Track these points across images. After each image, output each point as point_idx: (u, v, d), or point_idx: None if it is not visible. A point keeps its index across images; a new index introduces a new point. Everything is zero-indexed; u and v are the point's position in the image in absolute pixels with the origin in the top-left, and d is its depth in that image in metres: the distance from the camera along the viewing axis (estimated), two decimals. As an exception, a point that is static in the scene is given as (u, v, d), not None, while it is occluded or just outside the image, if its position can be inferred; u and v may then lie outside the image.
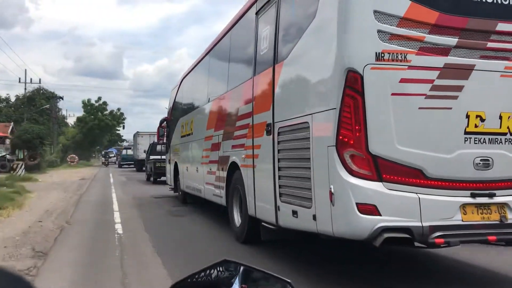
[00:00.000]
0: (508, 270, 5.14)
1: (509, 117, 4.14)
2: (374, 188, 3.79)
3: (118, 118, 55.96)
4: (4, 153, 31.14)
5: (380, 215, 3.73)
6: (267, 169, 5.35)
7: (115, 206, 11.51)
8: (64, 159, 44.76)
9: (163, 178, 19.12)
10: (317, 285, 4.42)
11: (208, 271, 1.24)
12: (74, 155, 45.23)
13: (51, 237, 7.17)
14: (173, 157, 13.26)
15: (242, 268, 1.23)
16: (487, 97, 4.11)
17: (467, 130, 4.02)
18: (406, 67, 3.89)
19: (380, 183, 3.81)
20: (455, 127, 4.02)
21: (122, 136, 74.32)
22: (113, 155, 54.01)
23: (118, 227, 8.20)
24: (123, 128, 58.72)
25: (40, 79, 48.96)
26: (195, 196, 10.40)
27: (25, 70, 48.43)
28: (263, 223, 5.63)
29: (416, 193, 3.86)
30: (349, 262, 5.53)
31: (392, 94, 3.88)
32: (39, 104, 45.23)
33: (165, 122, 14.69)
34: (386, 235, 3.71)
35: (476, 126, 4.04)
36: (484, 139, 4.07)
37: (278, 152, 5.09)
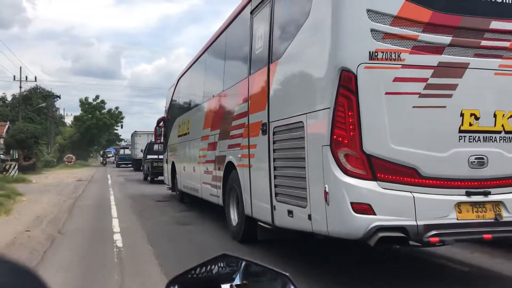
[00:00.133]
0: (505, 269, 5.14)
1: (503, 115, 4.14)
2: (368, 188, 3.79)
3: (116, 117, 55.04)
4: None
5: (375, 214, 3.73)
6: (263, 169, 5.35)
7: (114, 212, 10.37)
8: (61, 159, 43.70)
9: (160, 178, 19.10)
10: (314, 284, 4.42)
11: (208, 266, 1.23)
12: (71, 155, 44.40)
13: (38, 252, 6.10)
14: (170, 157, 13.25)
15: (243, 263, 1.22)
16: (481, 95, 4.11)
17: (462, 128, 4.02)
18: (400, 66, 3.89)
19: (375, 182, 3.81)
20: (449, 125, 4.01)
21: (121, 135, 73.51)
22: (111, 155, 53.85)
23: (117, 239, 7.07)
24: (121, 127, 58.09)
25: (35, 77, 48.15)
26: (192, 196, 10.39)
27: (20, 67, 46.35)
28: (259, 223, 5.63)
29: (411, 192, 3.86)
30: (346, 261, 5.54)
31: (386, 93, 3.88)
32: (35, 103, 44.20)
33: (162, 121, 14.67)
34: (381, 234, 3.71)
35: (470, 124, 4.04)
36: (479, 137, 4.07)
37: (274, 152, 5.08)
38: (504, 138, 4.16)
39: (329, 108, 3.89)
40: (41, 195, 13.94)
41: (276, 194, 5.01)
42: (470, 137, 4.04)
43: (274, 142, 5.08)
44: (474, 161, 4.03)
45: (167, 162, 13.93)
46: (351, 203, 3.74)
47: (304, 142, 4.34)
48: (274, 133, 5.08)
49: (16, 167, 23.98)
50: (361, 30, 3.86)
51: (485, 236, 3.98)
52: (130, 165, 36.84)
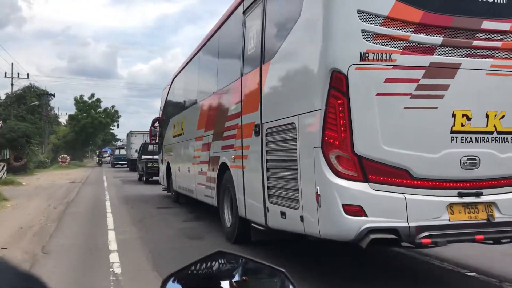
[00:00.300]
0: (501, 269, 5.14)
1: (495, 116, 4.12)
2: (360, 189, 3.77)
3: (112, 116, 53.32)
4: None
5: (367, 216, 3.72)
6: (256, 170, 5.32)
7: (110, 221, 8.90)
8: (55, 160, 42.07)
9: (155, 178, 19.01)
10: (308, 285, 4.40)
11: (204, 264, 1.21)
12: (66, 155, 42.63)
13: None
14: (165, 157, 13.21)
15: (242, 260, 1.21)
16: (473, 96, 4.09)
17: (454, 129, 4.00)
18: (391, 66, 3.86)
19: (366, 183, 3.79)
20: (441, 126, 4.00)
21: (117, 135, 72.48)
22: (107, 155, 53.39)
23: (114, 260, 5.62)
24: (117, 127, 56.49)
25: (28, 74, 44.26)
26: (188, 197, 10.36)
27: (12, 63, 42.61)
28: (253, 224, 5.61)
29: (403, 193, 3.84)
30: (339, 262, 5.52)
31: (377, 94, 3.85)
32: (30, 102, 42.50)
33: (157, 121, 14.64)
34: (373, 236, 3.69)
35: (462, 125, 4.02)
36: (471, 138, 4.05)
37: (267, 153, 5.06)
38: (496, 139, 4.14)
39: (320, 109, 3.87)
40: (29, 200, 12.76)
41: (269, 196, 4.99)
42: (462, 138, 4.03)
43: (266, 144, 5.06)
44: (466, 162, 4.02)
45: (162, 163, 13.89)
46: (343, 205, 3.72)
47: (296, 144, 4.32)
48: (266, 135, 5.05)
49: (5, 168, 22.09)
50: (352, 31, 3.83)
51: (477, 237, 3.97)
52: (126, 165, 36.66)
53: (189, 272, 1.19)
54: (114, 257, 5.83)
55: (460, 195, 3.98)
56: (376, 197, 3.78)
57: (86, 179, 23.97)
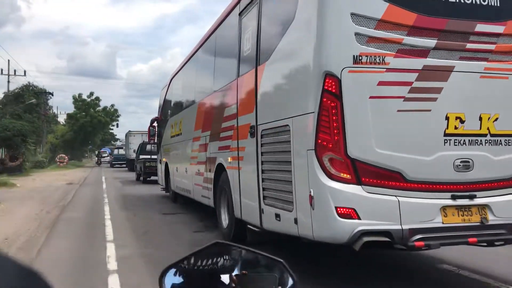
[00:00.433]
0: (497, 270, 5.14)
1: (489, 118, 4.13)
2: (353, 192, 3.78)
3: (112, 115, 51.99)
4: None
5: (360, 218, 3.72)
6: (252, 172, 5.33)
7: (109, 231, 7.76)
8: (53, 160, 40.77)
9: (153, 178, 18.95)
10: (307, 285, 4.39)
11: (203, 256, 1.22)
12: (64, 155, 41.39)
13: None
14: (163, 157, 13.23)
15: (242, 253, 1.22)
16: (467, 99, 4.10)
17: (447, 132, 4.01)
18: (384, 69, 3.87)
19: (359, 186, 3.80)
20: (434, 129, 4.00)
21: (116, 135, 71.94)
22: (106, 154, 53.13)
23: (114, 285, 4.68)
24: (117, 126, 55.77)
25: (25, 71, 43.87)
26: (185, 197, 10.38)
27: (8, 60, 40.86)
28: (248, 225, 5.62)
29: (396, 196, 3.85)
30: (336, 262, 5.53)
31: (371, 97, 3.86)
32: (28, 101, 41.17)
33: (155, 121, 14.66)
34: (366, 238, 3.70)
35: (456, 127, 4.03)
36: (464, 140, 4.06)
37: (262, 155, 5.07)
38: (490, 141, 4.15)
39: (313, 112, 3.88)
40: (21, 204, 11.59)
41: (264, 198, 5.00)
42: (456, 141, 4.03)
43: (262, 145, 5.07)
44: (460, 165, 4.02)
45: (160, 163, 13.91)
46: (336, 208, 3.73)
47: (290, 146, 4.33)
48: (262, 136, 5.06)
49: None
50: (345, 34, 3.84)
51: (470, 239, 3.97)
52: (125, 165, 36.57)
53: (188, 264, 1.20)
54: (113, 281, 4.81)
55: (453, 197, 3.99)
56: (369, 200, 3.79)
57: (84, 180, 22.84)
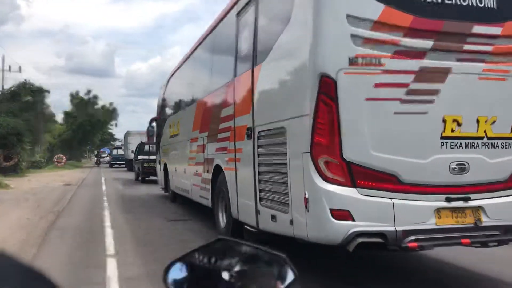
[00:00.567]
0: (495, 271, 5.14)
1: (486, 121, 4.11)
2: (348, 194, 3.77)
3: (111, 113, 49.99)
4: None
5: (354, 220, 3.72)
6: (248, 173, 5.33)
7: (109, 242, 6.71)
8: (51, 160, 39.26)
9: (151, 178, 18.85)
10: (304, 285, 4.38)
11: (206, 252, 1.22)
12: (62, 155, 39.74)
13: None
14: (162, 158, 13.23)
15: (242, 249, 1.23)
16: (464, 101, 4.08)
17: (444, 134, 3.99)
18: (380, 71, 3.85)
19: (354, 189, 3.79)
20: (431, 132, 3.98)
21: (115, 135, 70.83)
22: (105, 154, 52.90)
23: None
24: (116, 125, 54.51)
25: (20, 67, 41.10)
26: (184, 197, 10.38)
27: (3, 56, 39.32)
28: (245, 226, 5.62)
29: (390, 198, 3.84)
30: (333, 263, 5.52)
31: (367, 99, 3.84)
32: (24, 99, 39.44)
33: (154, 121, 14.65)
34: (360, 240, 3.70)
35: (452, 130, 4.01)
36: (461, 143, 4.04)
37: (258, 157, 5.06)
38: (487, 144, 4.13)
39: (308, 114, 3.86)
40: (12, 208, 10.49)
41: (260, 199, 4.99)
42: (452, 144, 4.02)
43: (258, 147, 5.06)
44: (455, 167, 4.01)
45: (159, 163, 13.90)
46: (331, 210, 3.72)
47: (286, 148, 4.32)
48: (258, 138, 5.05)
49: None
50: (341, 36, 3.82)
51: (463, 240, 3.97)
52: (124, 165, 36.49)
53: (191, 259, 1.21)
54: None
55: (448, 200, 3.97)
56: (363, 202, 3.78)
57: (82, 181, 21.74)
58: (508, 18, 4.17)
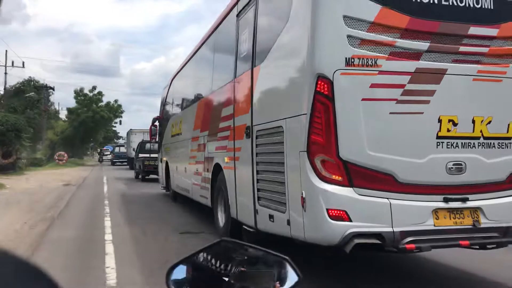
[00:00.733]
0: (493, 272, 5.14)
1: (482, 121, 4.13)
2: (344, 194, 3.79)
3: (115, 111, 47.92)
4: None
5: (351, 220, 3.73)
6: (247, 172, 5.36)
7: (110, 262, 5.41)
8: (52, 157, 37.79)
9: (152, 176, 18.84)
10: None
11: (209, 253, 1.24)
12: (63, 153, 38.31)
13: None
14: (164, 156, 13.28)
15: (239, 249, 1.24)
16: (459, 101, 4.10)
17: (439, 134, 4.01)
18: (377, 72, 3.88)
19: (351, 188, 3.81)
20: (427, 131, 4.00)
21: (119, 133, 70.64)
22: (108, 152, 52.93)
23: None
24: (120, 123, 52.93)
25: (23, 62, 39.78)
26: (184, 196, 10.42)
27: (6, 51, 37.90)
28: (244, 226, 5.65)
29: (388, 198, 3.85)
30: (331, 263, 5.53)
31: (363, 99, 3.87)
32: (29, 96, 38.88)
33: (157, 121, 14.71)
34: (357, 240, 3.71)
35: (448, 130, 4.03)
36: (457, 143, 4.06)
37: (256, 156, 5.09)
38: (483, 144, 4.15)
39: (305, 114, 3.89)
40: (3, 211, 9.45)
41: (259, 198, 5.02)
42: (448, 143, 4.04)
43: (257, 146, 5.09)
44: (452, 167, 4.03)
45: (161, 162, 13.96)
46: (327, 210, 3.74)
47: (283, 147, 4.35)
48: (256, 137, 5.09)
49: None
50: (338, 36, 3.85)
51: (462, 242, 3.97)
52: (126, 163, 36.52)
53: (194, 261, 1.22)
54: None
55: (445, 200, 3.99)
56: (360, 202, 3.80)
57: (83, 180, 20.51)
58: (504, 19, 4.18)
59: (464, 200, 4.05)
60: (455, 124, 4.04)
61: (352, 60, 3.82)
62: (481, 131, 4.13)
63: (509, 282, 4.76)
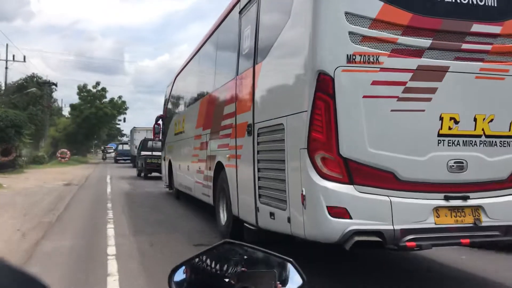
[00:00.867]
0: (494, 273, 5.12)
1: (484, 119, 4.10)
2: (345, 191, 3.77)
3: (119, 107, 46.72)
4: None
5: (351, 218, 3.72)
6: (248, 170, 5.35)
7: (112, 284, 4.55)
8: (54, 155, 36.84)
9: (154, 174, 18.79)
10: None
11: (212, 254, 1.24)
12: (66, 150, 37.08)
13: None
14: (167, 155, 13.31)
15: (246, 251, 1.23)
16: (461, 99, 4.07)
17: (441, 132, 3.98)
18: (378, 69, 3.85)
19: (351, 186, 3.79)
20: (428, 129, 3.98)
21: (123, 130, 70.28)
22: (111, 150, 52.91)
23: None
24: (124, 120, 51.58)
25: (24, 56, 39.11)
26: (187, 194, 10.42)
27: (6, 44, 38.02)
28: (245, 224, 5.64)
29: (388, 196, 3.83)
30: (331, 262, 5.53)
31: (364, 96, 3.85)
32: (31, 92, 37.96)
33: (160, 119, 14.73)
34: (357, 238, 3.69)
35: (450, 128, 4.00)
36: (458, 141, 4.03)
37: (258, 153, 5.09)
38: (485, 142, 4.12)
39: (306, 111, 3.87)
40: None
41: (260, 196, 5.01)
42: (450, 141, 4.01)
43: (258, 144, 5.09)
44: (453, 165, 4.00)
45: (164, 160, 13.98)
46: (327, 207, 3.73)
47: (284, 145, 4.34)
48: (258, 135, 5.08)
49: None
50: (339, 33, 3.83)
51: (463, 240, 3.95)
52: (129, 161, 36.53)
53: (197, 262, 1.22)
54: None
55: (446, 198, 3.96)
56: (361, 200, 3.78)
57: (85, 180, 19.42)
58: (508, 16, 4.15)
59: (465, 198, 4.02)
60: (456, 122, 4.02)
61: (354, 57, 3.80)
62: (482, 129, 4.10)
63: (509, 282, 4.73)
